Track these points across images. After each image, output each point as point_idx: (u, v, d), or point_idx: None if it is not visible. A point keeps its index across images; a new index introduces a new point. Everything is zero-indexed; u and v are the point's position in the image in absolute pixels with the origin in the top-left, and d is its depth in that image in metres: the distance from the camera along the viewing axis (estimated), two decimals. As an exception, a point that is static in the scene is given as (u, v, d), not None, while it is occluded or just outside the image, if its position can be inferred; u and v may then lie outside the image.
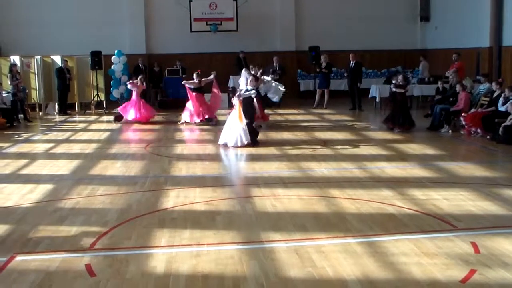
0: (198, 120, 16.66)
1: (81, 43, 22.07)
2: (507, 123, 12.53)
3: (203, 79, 17.00)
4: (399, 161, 11.07)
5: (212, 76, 17.15)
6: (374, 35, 24.21)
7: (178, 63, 22.45)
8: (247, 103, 12.94)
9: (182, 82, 17.17)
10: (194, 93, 16.74)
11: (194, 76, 16.99)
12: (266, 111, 16.71)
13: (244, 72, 15.55)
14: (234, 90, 13.74)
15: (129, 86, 17.55)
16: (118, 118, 17.55)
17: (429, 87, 19.22)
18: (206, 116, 16.76)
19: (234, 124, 12.67)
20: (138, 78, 17.88)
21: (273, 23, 24.16)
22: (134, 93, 17.40)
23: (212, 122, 16.70)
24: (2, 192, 9.05)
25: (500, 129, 12.56)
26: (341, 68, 23.27)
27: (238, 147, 12.47)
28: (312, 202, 8.05)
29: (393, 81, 15.31)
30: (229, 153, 12.29)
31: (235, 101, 12.83)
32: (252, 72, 16.41)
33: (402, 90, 14.67)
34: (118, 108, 17.84)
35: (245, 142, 12.49)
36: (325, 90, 20.52)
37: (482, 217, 7.23)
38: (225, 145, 12.68)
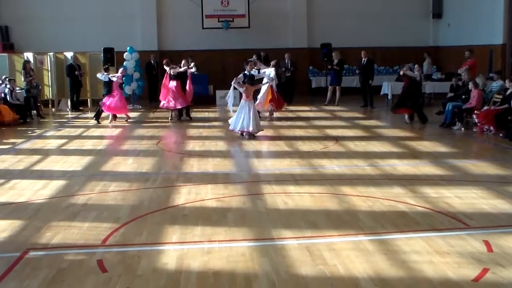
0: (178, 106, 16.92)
1: (94, 39, 22.14)
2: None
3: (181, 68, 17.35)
4: (411, 158, 11.03)
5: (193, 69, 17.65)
6: (386, 32, 24.09)
7: (189, 60, 22.44)
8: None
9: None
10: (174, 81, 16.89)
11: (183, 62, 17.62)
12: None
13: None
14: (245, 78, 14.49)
15: (115, 79, 17.08)
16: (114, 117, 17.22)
17: (442, 84, 19.11)
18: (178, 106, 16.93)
19: (249, 110, 13.36)
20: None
21: (285, 20, 24.10)
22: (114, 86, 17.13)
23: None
24: (15, 187, 9.12)
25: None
26: (353, 65, 23.19)
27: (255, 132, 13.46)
28: (323, 199, 8.04)
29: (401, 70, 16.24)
30: (241, 149, 12.30)
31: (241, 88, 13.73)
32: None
33: (407, 76, 15.64)
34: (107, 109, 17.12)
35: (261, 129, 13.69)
36: (337, 87, 20.47)
37: (495, 215, 7.19)
38: (239, 132, 13.51)
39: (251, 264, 5.66)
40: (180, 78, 17.02)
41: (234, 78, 14.23)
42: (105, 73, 17.25)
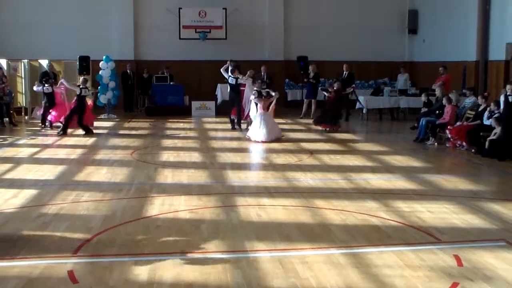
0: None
1: (70, 47, 22.01)
2: (492, 137, 12.63)
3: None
4: (385, 172, 11.11)
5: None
6: (363, 46, 24.37)
7: (165, 71, 22.43)
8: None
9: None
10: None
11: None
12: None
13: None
14: (260, 94, 15.40)
15: (62, 89, 17.61)
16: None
17: (416, 99, 19.35)
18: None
19: (268, 120, 14.86)
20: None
21: (262, 32, 24.25)
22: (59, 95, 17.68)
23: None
24: (-15, 196, 8.97)
25: (486, 143, 12.67)
26: (329, 78, 23.36)
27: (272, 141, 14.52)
28: (297, 212, 8.05)
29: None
30: (215, 161, 12.28)
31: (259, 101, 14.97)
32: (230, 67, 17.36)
33: (329, 94, 17.11)
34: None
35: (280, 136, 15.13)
36: (312, 100, 20.57)
37: (466, 230, 7.27)
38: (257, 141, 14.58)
39: (223, 276, 5.64)
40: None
41: (252, 96, 15.42)
42: (41, 85, 17.81)
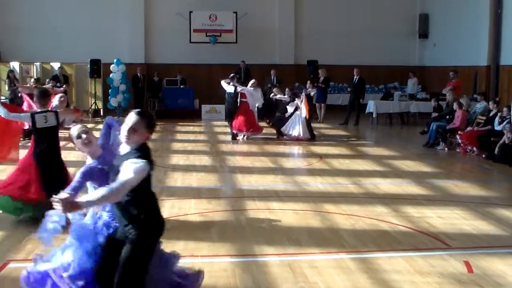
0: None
1: (81, 51, 22.10)
2: (503, 141, 12.57)
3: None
4: (394, 177, 11.09)
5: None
6: (373, 51, 24.30)
7: (178, 76, 22.51)
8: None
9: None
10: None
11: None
12: (260, 123, 16.82)
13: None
14: (295, 94, 16.67)
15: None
16: None
17: (426, 104, 19.30)
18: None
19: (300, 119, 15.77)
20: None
21: (272, 36, 24.27)
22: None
23: None
24: (-4, 198, 9.02)
25: (496, 148, 12.61)
26: (338, 83, 23.39)
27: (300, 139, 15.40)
28: (306, 217, 8.05)
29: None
30: (225, 164, 12.30)
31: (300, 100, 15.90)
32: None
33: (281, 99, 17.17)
34: None
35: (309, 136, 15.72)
36: (322, 105, 20.56)
37: (476, 236, 7.24)
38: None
39: (233, 280, 5.65)
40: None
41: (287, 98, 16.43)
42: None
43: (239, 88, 16.28)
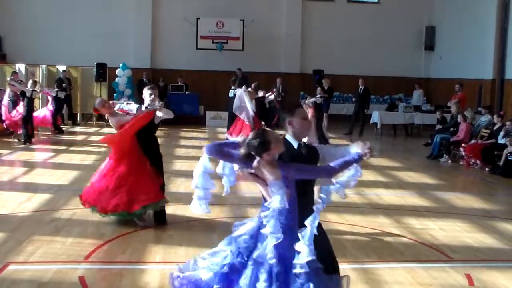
0: None
1: (87, 54, 22.17)
2: (505, 156, 12.57)
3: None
4: (397, 188, 11.08)
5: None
6: (379, 61, 24.31)
7: (180, 79, 22.53)
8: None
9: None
10: None
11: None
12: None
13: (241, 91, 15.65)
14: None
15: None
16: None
17: (431, 116, 19.29)
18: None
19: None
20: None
21: (278, 44, 24.31)
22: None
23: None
24: (-1, 199, 9.05)
25: (501, 161, 12.60)
26: (343, 93, 23.39)
27: None
28: (308, 226, 8.02)
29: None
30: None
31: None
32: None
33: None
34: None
35: None
36: (325, 114, 20.53)
37: (478, 249, 7.22)
38: None
39: None
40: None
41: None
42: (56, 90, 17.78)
43: (238, 92, 16.14)
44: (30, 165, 12.18)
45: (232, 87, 16.67)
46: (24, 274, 5.85)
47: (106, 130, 19.12)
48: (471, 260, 6.76)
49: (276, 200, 3.89)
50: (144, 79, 22.40)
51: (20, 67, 20.18)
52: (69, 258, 6.35)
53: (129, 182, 7.51)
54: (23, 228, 7.46)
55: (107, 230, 7.42)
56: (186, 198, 9.41)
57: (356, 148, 4.19)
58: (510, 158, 12.50)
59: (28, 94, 15.52)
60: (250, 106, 15.29)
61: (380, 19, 24.67)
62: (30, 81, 15.94)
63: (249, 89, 15.91)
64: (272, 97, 17.78)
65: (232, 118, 16.58)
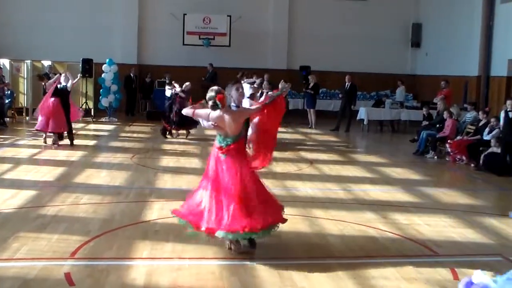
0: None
1: (73, 49, 22.04)
2: (490, 151, 12.68)
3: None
4: (384, 184, 11.12)
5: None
6: (365, 58, 24.41)
7: (166, 76, 22.43)
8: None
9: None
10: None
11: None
12: None
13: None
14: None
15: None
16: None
17: (417, 112, 19.39)
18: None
19: None
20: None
21: (265, 40, 24.32)
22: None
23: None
24: (-16, 195, 8.98)
25: (482, 156, 12.71)
26: (330, 89, 23.42)
27: None
28: (295, 222, 8.03)
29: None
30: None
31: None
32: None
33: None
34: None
35: None
36: (311, 110, 20.56)
37: (463, 244, 7.28)
38: None
39: (220, 283, 5.64)
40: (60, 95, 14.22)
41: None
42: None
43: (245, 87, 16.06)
44: (15, 162, 12.10)
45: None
46: (10, 271, 5.81)
47: (92, 126, 19.04)
48: (456, 255, 6.81)
49: None
50: (132, 75, 22.37)
51: (5, 62, 20.01)
52: (55, 254, 6.32)
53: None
54: (8, 225, 7.41)
55: (93, 227, 7.39)
56: (172, 195, 9.44)
57: None
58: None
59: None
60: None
61: (367, 15, 24.75)
62: None
63: (255, 85, 15.83)
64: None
65: None
